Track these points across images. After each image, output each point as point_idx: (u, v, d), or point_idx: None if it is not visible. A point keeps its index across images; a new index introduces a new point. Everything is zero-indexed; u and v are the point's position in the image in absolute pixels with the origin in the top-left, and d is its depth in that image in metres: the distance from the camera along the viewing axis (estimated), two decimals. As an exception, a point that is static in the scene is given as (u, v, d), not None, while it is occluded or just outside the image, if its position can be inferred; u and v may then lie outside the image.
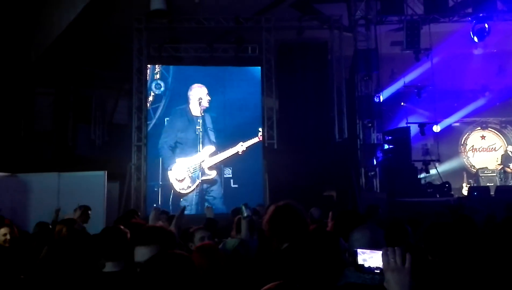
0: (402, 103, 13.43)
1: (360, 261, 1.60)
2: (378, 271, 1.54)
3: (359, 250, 1.61)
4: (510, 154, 13.23)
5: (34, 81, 11.06)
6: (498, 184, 12.26)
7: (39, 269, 3.43)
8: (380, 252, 1.54)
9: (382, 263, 1.50)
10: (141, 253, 1.58)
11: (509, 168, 12.76)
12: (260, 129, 11.00)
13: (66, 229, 4.22)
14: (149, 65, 11.04)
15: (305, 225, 2.31)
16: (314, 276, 2.04)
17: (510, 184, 12.08)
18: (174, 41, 11.13)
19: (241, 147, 10.77)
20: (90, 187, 8.61)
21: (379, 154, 10.71)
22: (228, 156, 10.78)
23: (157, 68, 11.11)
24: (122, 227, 2.70)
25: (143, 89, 10.89)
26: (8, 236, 4.28)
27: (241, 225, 3.35)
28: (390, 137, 11.37)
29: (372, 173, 10.53)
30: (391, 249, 1.49)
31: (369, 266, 1.55)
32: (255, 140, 10.89)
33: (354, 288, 1.85)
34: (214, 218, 5.39)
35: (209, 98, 10.96)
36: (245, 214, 3.27)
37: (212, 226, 4.68)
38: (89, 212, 5.73)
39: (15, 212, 8.26)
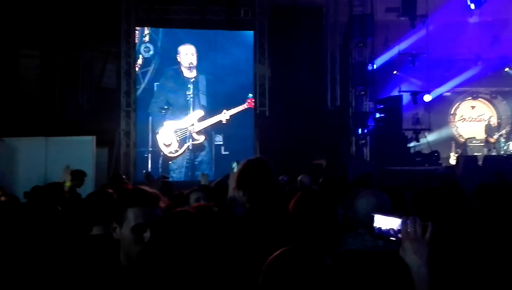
0: (395, 72, 13.32)
1: (375, 225, 1.57)
2: (394, 238, 1.50)
3: (376, 216, 1.56)
4: (492, 125, 13.30)
5: (19, 43, 10.68)
6: (485, 153, 12.40)
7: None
8: (396, 219, 1.50)
9: (401, 231, 1.46)
10: (136, 215, 1.55)
11: (492, 138, 12.87)
12: (250, 95, 10.84)
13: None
14: (137, 27, 10.69)
15: (273, 181, 2.25)
16: (305, 239, 2.01)
17: (493, 154, 12.22)
18: (163, 3, 10.74)
19: (224, 115, 10.63)
20: (78, 152, 8.47)
21: (371, 123, 10.71)
22: (212, 123, 10.66)
23: (146, 30, 10.77)
24: (109, 190, 2.67)
25: (132, 52, 10.59)
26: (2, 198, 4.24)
27: (229, 182, 3.26)
28: (382, 106, 11.33)
29: (363, 141, 10.56)
30: (411, 218, 1.45)
31: (384, 230, 1.52)
32: (240, 108, 10.74)
33: (355, 255, 1.82)
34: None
35: (195, 56, 10.64)
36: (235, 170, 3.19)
37: (205, 190, 4.65)
38: (84, 178, 5.69)
39: (2, 176, 8.15)
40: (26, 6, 10.24)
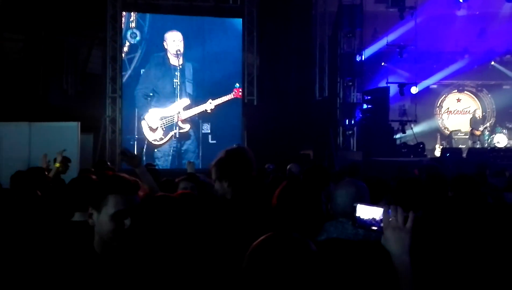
0: (382, 63, 13.37)
1: (356, 215, 1.57)
2: (376, 228, 1.51)
3: (358, 205, 1.57)
4: (478, 118, 13.47)
5: (2, 26, 10.43)
6: (470, 146, 12.58)
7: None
8: (378, 208, 1.51)
9: (382, 220, 1.47)
10: (116, 202, 1.53)
11: (477, 131, 13.04)
12: (237, 85, 10.77)
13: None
14: (124, 12, 10.50)
15: (250, 169, 2.24)
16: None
17: (477, 147, 12.40)
18: (151, -12, 10.56)
19: (209, 105, 10.56)
20: (62, 138, 8.33)
21: (358, 114, 10.75)
22: (197, 112, 10.59)
23: (133, 15, 10.59)
24: (92, 176, 2.63)
25: (118, 38, 10.41)
26: None
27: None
28: (369, 97, 11.38)
29: (350, 132, 10.61)
30: (393, 207, 1.47)
31: (366, 220, 1.52)
32: (227, 97, 10.67)
33: (337, 243, 1.83)
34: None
35: (182, 43, 10.54)
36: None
37: (194, 180, 4.63)
38: (69, 164, 5.65)
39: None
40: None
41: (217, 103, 10.62)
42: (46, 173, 4.69)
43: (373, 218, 1.52)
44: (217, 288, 1.70)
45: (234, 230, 1.96)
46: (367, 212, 1.54)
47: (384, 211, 1.48)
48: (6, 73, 10.53)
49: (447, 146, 13.17)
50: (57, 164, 5.13)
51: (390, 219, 1.46)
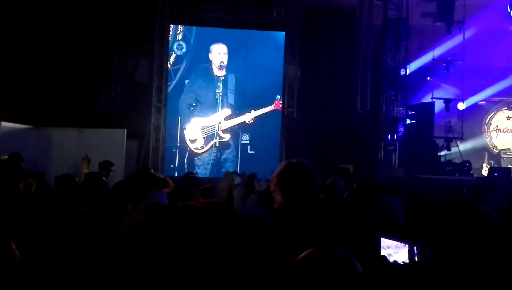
0: (428, 78, 13.02)
1: (383, 253, 1.51)
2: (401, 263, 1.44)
3: (382, 239, 1.50)
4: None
5: (58, 36, 11.06)
6: (520, 166, 11.97)
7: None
8: (402, 246, 1.44)
9: (408, 258, 1.40)
10: (153, 195, 1.69)
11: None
12: (278, 97, 10.83)
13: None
14: (171, 25, 10.87)
15: (315, 186, 2.20)
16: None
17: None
18: (197, 1, 10.88)
19: (248, 116, 10.64)
20: (109, 144, 8.69)
21: (401, 129, 10.50)
22: (237, 123, 10.71)
23: (180, 28, 10.94)
24: None
25: (165, 49, 10.77)
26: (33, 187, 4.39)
27: (234, 193, 3.18)
28: (413, 112, 11.09)
29: (392, 147, 10.37)
30: (418, 245, 1.40)
31: (395, 262, 1.46)
32: (267, 109, 10.73)
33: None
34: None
35: (227, 56, 10.74)
36: (236, 182, 3.12)
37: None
38: (112, 168, 5.85)
39: (37, 165, 8.44)
40: (66, 2, 10.59)
41: (257, 114, 10.70)
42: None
43: (396, 261, 1.44)
44: None
45: (277, 242, 1.96)
46: (394, 251, 1.46)
47: (409, 250, 1.41)
48: (59, 81, 11.13)
49: (495, 165, 12.60)
50: (85, 170, 5.31)
51: (416, 258, 1.38)
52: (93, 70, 11.25)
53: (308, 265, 1.16)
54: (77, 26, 11.07)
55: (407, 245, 1.43)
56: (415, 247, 1.40)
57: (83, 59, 11.40)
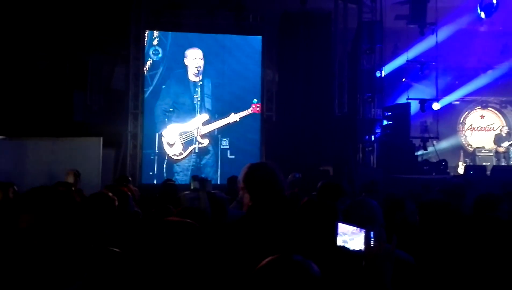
0: (403, 79, 13.26)
1: (340, 242, 1.46)
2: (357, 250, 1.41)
3: (340, 225, 1.46)
4: (504, 134, 13.15)
5: (29, 44, 10.80)
6: (494, 164, 12.27)
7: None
8: (358, 232, 1.41)
9: (364, 244, 1.38)
10: None
11: (502, 147, 12.72)
12: (256, 100, 10.82)
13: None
14: (147, 31, 10.76)
15: (278, 184, 2.23)
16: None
17: (502, 164, 12.08)
18: (173, 6, 10.80)
19: (233, 117, 10.61)
20: (85, 153, 8.54)
21: (378, 130, 10.65)
22: (221, 125, 10.66)
23: (155, 33, 10.83)
24: (109, 193, 2.66)
25: (140, 56, 10.65)
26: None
27: (201, 198, 3.31)
28: (389, 113, 11.27)
29: (370, 148, 10.49)
30: (376, 230, 1.38)
31: (350, 249, 1.42)
32: (245, 112, 10.70)
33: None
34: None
35: (203, 60, 10.68)
36: (193, 187, 3.31)
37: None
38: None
39: (11, 176, 8.21)
40: (37, 8, 10.35)
41: (241, 116, 10.67)
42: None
43: (353, 249, 1.41)
44: None
45: (247, 241, 1.96)
46: (347, 233, 1.44)
47: (366, 235, 1.38)
48: (32, 90, 10.86)
49: (471, 163, 12.88)
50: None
51: (372, 244, 1.36)
52: (67, 78, 11.02)
53: (265, 274, 1.18)
54: (50, 33, 10.84)
55: (363, 231, 1.40)
56: (371, 233, 1.38)
57: (56, 68, 11.16)
